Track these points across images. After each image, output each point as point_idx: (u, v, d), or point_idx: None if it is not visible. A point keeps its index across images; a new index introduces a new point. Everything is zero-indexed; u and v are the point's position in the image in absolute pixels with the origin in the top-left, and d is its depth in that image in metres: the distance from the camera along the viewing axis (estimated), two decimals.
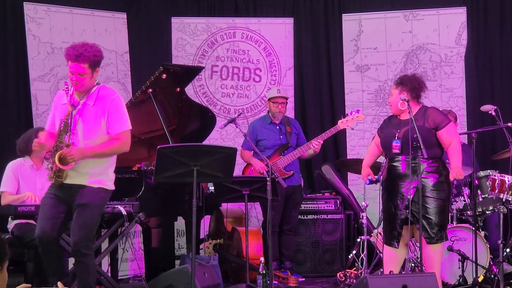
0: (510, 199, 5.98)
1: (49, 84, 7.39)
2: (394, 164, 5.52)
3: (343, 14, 8.24)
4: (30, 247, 5.60)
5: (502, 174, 6.09)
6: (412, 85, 5.54)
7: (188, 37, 8.20)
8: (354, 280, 6.26)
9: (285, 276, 6.75)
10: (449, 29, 7.98)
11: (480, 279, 5.96)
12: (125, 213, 5.32)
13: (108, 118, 4.81)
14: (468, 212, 6.38)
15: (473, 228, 6.04)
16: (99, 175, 4.86)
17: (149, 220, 6.39)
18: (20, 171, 6.03)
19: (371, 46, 8.14)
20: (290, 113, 7.95)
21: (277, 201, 6.36)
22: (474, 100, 7.83)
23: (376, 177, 5.69)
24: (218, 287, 5.89)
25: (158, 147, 4.97)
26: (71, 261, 5.43)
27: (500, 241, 5.96)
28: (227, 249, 6.96)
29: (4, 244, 2.98)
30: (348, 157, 8.03)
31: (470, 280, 6.00)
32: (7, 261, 2.99)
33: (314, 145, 6.82)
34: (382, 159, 6.03)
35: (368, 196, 7.00)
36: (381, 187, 5.77)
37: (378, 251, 6.47)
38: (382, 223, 6.06)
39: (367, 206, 6.56)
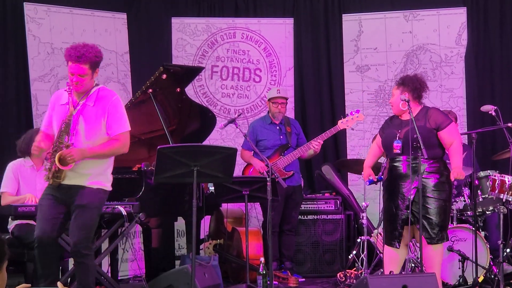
0: (510, 199, 5.98)
1: (49, 85, 7.39)
2: (395, 164, 5.52)
3: (343, 14, 8.24)
4: (30, 248, 5.59)
5: (502, 175, 6.10)
6: (414, 85, 5.54)
7: (188, 37, 8.20)
8: (354, 281, 6.26)
9: (285, 276, 6.75)
10: (449, 29, 7.98)
11: (480, 280, 5.97)
12: (125, 214, 5.32)
13: (108, 119, 4.81)
14: (468, 212, 6.38)
15: (473, 229, 6.04)
16: (99, 176, 4.86)
17: (149, 220, 6.39)
18: (21, 172, 6.03)
19: (371, 46, 8.14)
20: (290, 113, 7.95)
21: (277, 201, 6.36)
22: (474, 101, 7.83)
23: (377, 177, 5.69)
24: (218, 287, 5.89)
25: (158, 147, 4.97)
26: (71, 261, 5.42)
27: (500, 241, 5.96)
28: (227, 249, 6.96)
29: (3, 244, 2.98)
30: (348, 157, 8.03)
31: (470, 281, 6.01)
32: (6, 261, 2.99)
33: (314, 145, 6.82)
34: (382, 160, 6.04)
35: (368, 196, 7.01)
36: (381, 188, 5.77)
37: (378, 252, 6.47)
38: (382, 224, 6.06)
39: (367, 206, 6.56)
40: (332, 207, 7.32)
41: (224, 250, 6.89)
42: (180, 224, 7.06)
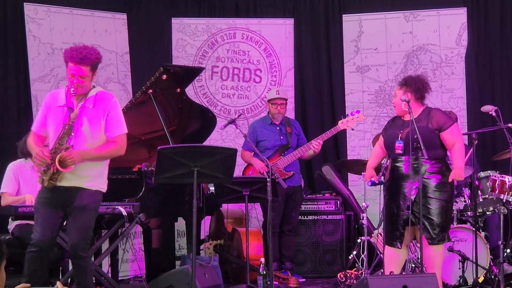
0: (510, 199, 5.99)
1: (49, 85, 7.38)
2: (397, 164, 5.53)
3: (343, 15, 8.23)
4: None
5: (502, 175, 6.11)
6: (416, 86, 5.55)
7: (189, 37, 8.19)
8: (355, 281, 6.26)
9: (286, 276, 6.75)
10: (449, 29, 7.97)
11: (480, 280, 5.97)
12: (126, 214, 5.33)
13: (107, 121, 4.82)
14: (469, 212, 6.38)
15: (474, 229, 6.04)
16: (97, 177, 4.87)
17: (149, 220, 6.39)
18: (21, 172, 6.04)
19: (372, 47, 8.13)
20: (291, 113, 7.95)
21: (277, 201, 6.36)
22: (474, 101, 7.83)
23: (379, 180, 5.69)
24: (219, 287, 5.90)
25: (158, 148, 4.97)
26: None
27: (500, 242, 5.97)
28: (227, 249, 6.96)
29: (1, 243, 2.98)
30: (349, 157, 8.02)
31: (470, 281, 6.01)
32: (5, 261, 2.99)
33: (314, 145, 6.82)
34: (383, 160, 6.04)
35: (368, 196, 7.01)
36: (381, 188, 5.77)
37: (378, 252, 6.47)
38: (382, 224, 6.06)
39: (367, 206, 6.57)
40: (332, 207, 7.32)
41: (224, 251, 6.89)
42: (180, 224, 7.06)
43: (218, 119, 7.14)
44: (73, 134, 4.71)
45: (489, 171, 6.35)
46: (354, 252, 6.62)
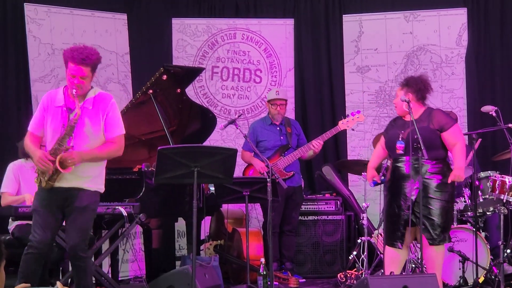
0: (510, 200, 5.99)
1: (49, 85, 7.37)
2: (398, 165, 5.53)
3: (343, 15, 8.23)
4: None
5: (502, 175, 6.11)
6: (418, 86, 5.55)
7: (189, 38, 8.19)
8: (355, 281, 6.26)
9: (286, 277, 6.75)
10: (449, 30, 7.97)
11: (480, 280, 5.96)
12: (126, 214, 5.33)
13: (106, 121, 4.82)
14: (469, 213, 6.38)
15: (474, 229, 6.04)
16: (96, 178, 4.87)
17: (149, 221, 6.39)
18: (21, 172, 6.04)
19: (372, 47, 8.13)
20: (291, 114, 7.95)
21: (278, 202, 6.36)
22: (474, 101, 7.82)
23: (381, 179, 5.69)
24: None
25: (159, 148, 4.97)
26: None
27: (500, 242, 5.97)
28: (227, 250, 6.96)
29: (1, 244, 2.98)
30: (349, 158, 8.02)
31: (470, 281, 6.01)
32: (4, 261, 2.99)
33: (314, 145, 6.82)
34: (383, 160, 6.05)
35: (368, 197, 7.00)
36: (382, 188, 5.77)
37: (378, 252, 6.47)
38: (382, 224, 6.06)
39: (367, 207, 6.57)
40: (332, 207, 7.32)
41: (224, 251, 6.89)
42: (180, 224, 7.06)
43: (218, 120, 7.15)
44: (73, 134, 4.71)
45: (489, 171, 6.35)
46: (354, 253, 6.61)
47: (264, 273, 5.80)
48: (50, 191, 4.74)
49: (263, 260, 5.91)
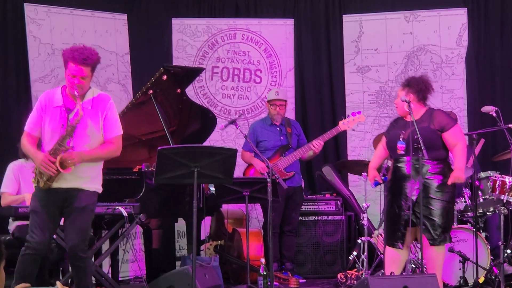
0: (510, 200, 5.98)
1: (50, 86, 7.36)
2: (399, 165, 5.53)
3: (343, 15, 8.23)
4: None
5: (502, 175, 6.10)
6: (419, 87, 5.55)
7: (189, 38, 8.19)
8: (355, 281, 6.26)
9: (286, 277, 6.75)
10: (450, 30, 7.97)
11: (481, 280, 5.96)
12: (126, 214, 5.33)
13: (105, 121, 4.81)
14: (469, 213, 6.38)
15: (474, 229, 6.04)
16: (94, 178, 4.87)
17: (149, 221, 6.39)
18: (21, 172, 6.04)
19: (372, 47, 8.13)
20: (291, 114, 7.95)
21: (278, 202, 6.35)
22: (475, 101, 7.82)
23: (382, 178, 5.69)
24: None
25: (159, 148, 4.97)
26: None
27: (500, 242, 5.97)
28: (227, 250, 6.95)
29: (0, 244, 2.98)
30: (349, 158, 8.01)
31: (471, 281, 6.01)
32: (4, 261, 2.98)
33: (314, 145, 6.82)
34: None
35: (368, 197, 7.00)
36: (382, 188, 5.77)
37: (379, 252, 6.47)
38: (383, 224, 6.06)
39: (367, 207, 6.57)
40: (332, 208, 7.32)
41: (224, 251, 6.88)
42: (180, 225, 7.06)
43: (218, 120, 7.14)
44: (73, 135, 4.71)
45: (489, 172, 6.35)
46: (355, 253, 6.61)
47: (264, 273, 5.79)
48: (48, 192, 4.73)
49: (263, 260, 5.90)
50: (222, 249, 6.94)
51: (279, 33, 8.28)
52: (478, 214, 6.23)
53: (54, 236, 5.28)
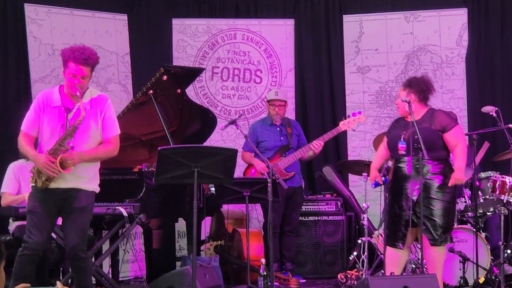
0: (511, 200, 5.98)
1: (50, 86, 7.35)
2: (400, 165, 5.53)
3: (344, 15, 8.22)
4: None
5: (503, 176, 6.10)
6: (420, 87, 5.55)
7: (189, 38, 8.19)
8: (355, 282, 6.26)
9: (286, 277, 6.75)
10: (450, 30, 7.97)
11: (481, 281, 5.96)
12: (126, 215, 5.33)
13: (103, 122, 4.82)
14: (469, 213, 6.37)
15: (474, 230, 6.04)
16: (92, 178, 4.87)
17: (150, 221, 6.38)
18: (21, 172, 6.03)
19: (372, 48, 8.13)
20: (291, 114, 7.95)
21: (278, 202, 6.36)
22: (475, 102, 7.82)
23: (383, 179, 5.69)
24: None
25: (159, 148, 4.97)
26: None
27: (501, 242, 5.97)
28: (228, 250, 6.95)
29: (0, 244, 2.98)
30: (349, 158, 8.01)
31: (471, 282, 6.01)
32: (4, 261, 2.99)
33: (315, 146, 6.82)
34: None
35: (369, 197, 7.00)
36: (382, 189, 5.77)
37: (379, 253, 6.47)
38: (383, 225, 6.06)
39: (368, 207, 6.57)
40: (333, 208, 7.31)
41: (224, 251, 6.88)
42: (181, 225, 7.06)
43: (219, 120, 7.14)
44: (73, 135, 4.71)
45: (489, 172, 6.35)
46: (355, 253, 6.61)
47: (265, 273, 5.79)
48: (46, 192, 4.72)
49: (263, 260, 5.90)
50: (222, 249, 6.94)
51: (279, 33, 8.28)
52: (478, 214, 6.23)
53: (54, 236, 5.30)
